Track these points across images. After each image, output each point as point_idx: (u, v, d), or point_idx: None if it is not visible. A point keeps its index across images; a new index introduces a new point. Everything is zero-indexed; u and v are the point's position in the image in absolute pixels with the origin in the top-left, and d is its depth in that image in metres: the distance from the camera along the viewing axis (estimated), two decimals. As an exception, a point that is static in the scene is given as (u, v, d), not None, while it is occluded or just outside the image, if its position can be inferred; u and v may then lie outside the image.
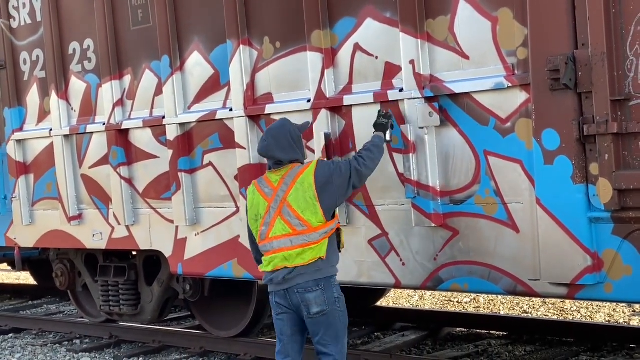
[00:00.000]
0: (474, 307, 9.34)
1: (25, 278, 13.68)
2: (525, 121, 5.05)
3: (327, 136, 5.92)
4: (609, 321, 8.29)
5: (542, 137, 4.93)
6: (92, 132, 7.58)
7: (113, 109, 7.33)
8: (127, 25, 7.19)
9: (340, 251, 5.14)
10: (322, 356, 5.02)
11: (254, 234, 5.13)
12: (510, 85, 5.10)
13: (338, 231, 5.09)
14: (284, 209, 4.95)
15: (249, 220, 5.16)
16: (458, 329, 8.05)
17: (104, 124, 7.43)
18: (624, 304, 8.64)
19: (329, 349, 4.99)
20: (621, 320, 8.28)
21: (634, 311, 8.53)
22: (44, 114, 8.02)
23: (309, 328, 5.04)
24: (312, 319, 4.97)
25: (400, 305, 9.70)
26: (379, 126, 5.44)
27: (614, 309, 8.66)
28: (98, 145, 7.55)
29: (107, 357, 8.05)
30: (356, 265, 5.91)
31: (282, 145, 5.06)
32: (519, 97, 5.08)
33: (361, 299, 8.49)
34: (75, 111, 7.74)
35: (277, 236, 4.97)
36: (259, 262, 5.19)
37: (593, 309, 8.75)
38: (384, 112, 5.50)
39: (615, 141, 4.72)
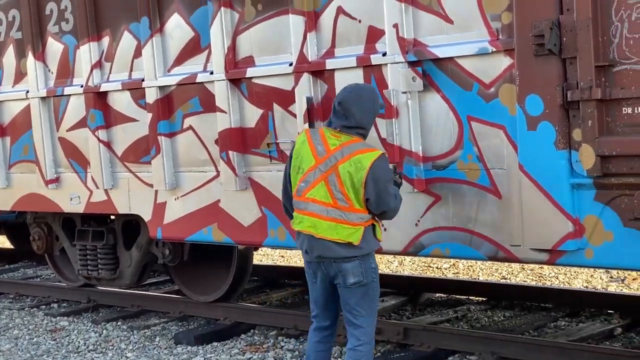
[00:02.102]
0: (454, 273, 9.38)
1: (2, 242, 13.58)
2: (509, 86, 5.02)
3: (309, 100, 5.86)
4: (586, 287, 8.35)
5: (525, 102, 4.91)
6: (69, 95, 7.48)
7: (91, 71, 7.23)
8: (106, -15, 7.08)
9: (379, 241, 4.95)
10: (352, 327, 4.84)
11: (292, 184, 4.89)
12: (494, 50, 5.06)
13: (374, 226, 4.86)
14: (331, 176, 4.70)
15: (291, 168, 4.90)
16: (437, 295, 8.09)
17: (81, 86, 7.33)
18: (601, 270, 8.71)
19: (359, 320, 4.82)
20: (599, 287, 8.35)
21: (611, 277, 8.61)
22: (20, 75, 7.90)
23: (343, 296, 4.85)
24: (347, 288, 4.80)
25: (379, 271, 9.68)
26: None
27: (591, 275, 8.73)
28: (76, 108, 7.46)
29: (86, 321, 8.03)
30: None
31: (363, 105, 4.77)
32: (503, 62, 5.05)
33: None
34: (52, 73, 7.63)
35: (315, 200, 4.75)
36: (288, 211, 5.03)
37: (571, 275, 8.81)
38: (399, 171, 5.24)
39: (599, 107, 4.70)
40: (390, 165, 5.04)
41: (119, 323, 7.90)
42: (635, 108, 4.62)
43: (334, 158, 4.72)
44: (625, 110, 4.67)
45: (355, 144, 4.75)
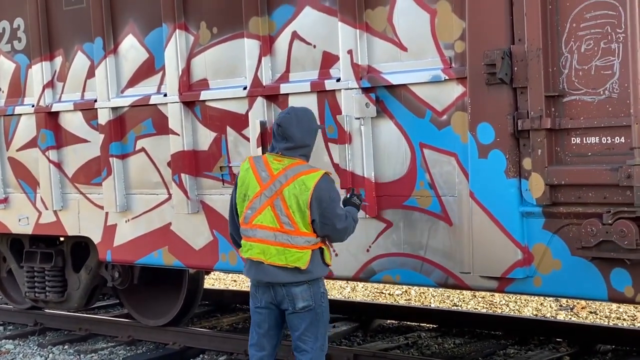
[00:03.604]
0: (405, 300, 9.39)
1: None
2: (461, 114, 5.07)
3: (262, 124, 5.86)
4: (536, 315, 8.41)
5: (477, 130, 4.95)
6: (20, 114, 7.39)
7: (43, 90, 7.15)
8: (60, 5, 7.01)
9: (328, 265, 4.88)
10: (300, 354, 4.78)
11: (239, 212, 4.86)
12: (447, 78, 5.11)
13: (322, 250, 4.81)
14: (276, 200, 4.69)
15: (236, 197, 4.86)
16: (389, 321, 8.08)
17: (33, 105, 7.24)
18: (551, 298, 8.78)
19: (308, 345, 4.77)
20: (548, 315, 8.42)
21: (560, 306, 8.68)
22: (-30, 93, 7.79)
23: (290, 322, 4.80)
24: (296, 313, 4.75)
25: (331, 297, 9.69)
26: (351, 204, 5.05)
27: (541, 303, 8.79)
28: (26, 128, 7.36)
29: (31, 345, 7.88)
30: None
31: (302, 126, 4.76)
32: (456, 90, 5.10)
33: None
34: (3, 92, 7.53)
35: (262, 225, 4.72)
36: (235, 240, 4.98)
37: (521, 303, 8.87)
38: (357, 193, 5.20)
39: (549, 137, 4.77)
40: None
41: (66, 347, 7.76)
42: (584, 138, 4.69)
43: (278, 182, 4.71)
44: (574, 140, 4.74)
45: (299, 166, 4.74)
